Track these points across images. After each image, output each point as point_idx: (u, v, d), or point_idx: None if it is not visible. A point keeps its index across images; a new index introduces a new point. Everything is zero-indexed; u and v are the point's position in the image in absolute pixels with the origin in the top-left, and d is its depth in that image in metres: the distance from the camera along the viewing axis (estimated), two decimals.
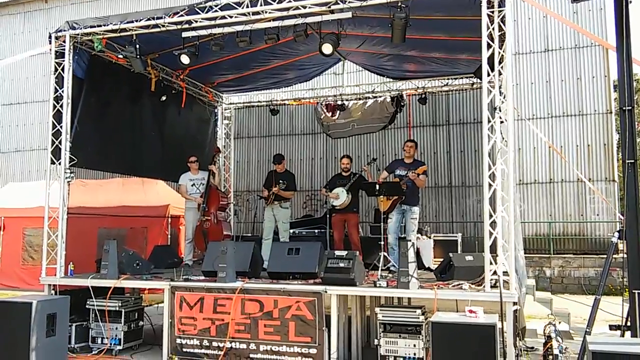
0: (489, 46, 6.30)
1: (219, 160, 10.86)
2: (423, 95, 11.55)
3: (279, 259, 7.30)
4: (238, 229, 14.21)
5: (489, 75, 6.31)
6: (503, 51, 6.30)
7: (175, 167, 10.13)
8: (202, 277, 7.41)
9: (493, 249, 6.16)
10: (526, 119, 14.36)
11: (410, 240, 6.46)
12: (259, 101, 12.84)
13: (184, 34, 7.83)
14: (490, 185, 6.23)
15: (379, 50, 9.99)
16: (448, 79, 11.27)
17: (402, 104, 11.57)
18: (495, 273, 6.05)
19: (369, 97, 11.90)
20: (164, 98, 10.15)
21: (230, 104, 12.96)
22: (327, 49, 7.48)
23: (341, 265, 6.58)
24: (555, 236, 14.09)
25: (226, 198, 10.16)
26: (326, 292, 6.46)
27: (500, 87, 6.31)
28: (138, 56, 8.06)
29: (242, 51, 9.74)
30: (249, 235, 11.09)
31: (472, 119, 14.23)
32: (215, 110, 12.57)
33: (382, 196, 7.80)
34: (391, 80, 11.73)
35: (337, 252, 6.74)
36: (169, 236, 13.14)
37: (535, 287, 10.75)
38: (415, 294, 6.37)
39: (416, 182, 8.18)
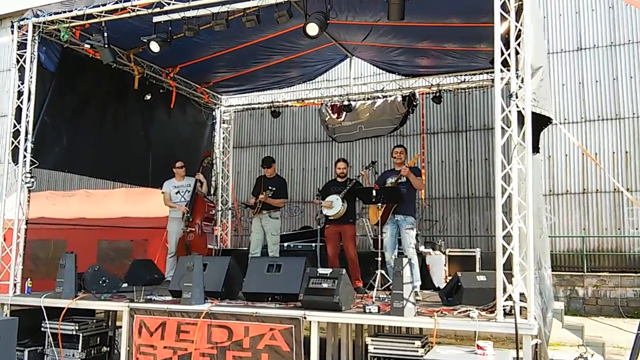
0: (503, 19, 5.18)
1: (209, 165, 9.85)
2: (438, 94, 10.42)
3: (256, 277, 6.23)
4: (239, 242, 13.33)
5: (502, 54, 5.17)
6: (520, 25, 5.15)
7: (163, 174, 9.15)
8: (169, 298, 6.37)
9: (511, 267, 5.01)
10: (557, 123, 13.07)
11: (406, 257, 5.30)
12: (259, 103, 11.86)
13: (155, 19, 6.93)
14: (504, 190, 5.08)
15: (388, 42, 9.04)
16: (465, 74, 10.12)
17: (415, 103, 10.47)
18: (510, 298, 4.87)
19: (378, 97, 10.82)
20: (148, 97, 9.28)
21: (229, 106, 12.00)
22: (312, 29, 6.42)
23: (324, 285, 5.47)
24: (589, 252, 12.73)
25: (214, 208, 9.16)
26: (305, 318, 5.36)
27: (517, 70, 5.17)
28: (106, 45, 7.18)
29: (237, 45, 8.93)
30: (246, 249, 10.03)
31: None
32: (213, 114, 11.65)
33: (378, 204, 6.67)
34: (402, 77, 10.65)
35: (320, 270, 5.62)
36: None
37: (565, 311, 9.44)
38: (410, 322, 5.22)
39: (412, 181, 7.02)
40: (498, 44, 5.18)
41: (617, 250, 12.59)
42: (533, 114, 5.13)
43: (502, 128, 5.13)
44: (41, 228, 11.02)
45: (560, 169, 13.22)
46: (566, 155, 13.24)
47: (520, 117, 5.13)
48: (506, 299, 4.88)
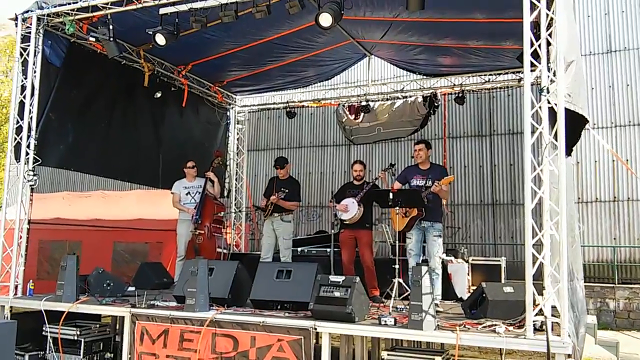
0: (533, 7, 4.75)
1: (221, 165, 9.50)
2: (460, 94, 9.96)
3: (265, 283, 5.84)
4: (256, 246, 12.99)
5: (532, 45, 4.73)
6: (552, 13, 4.71)
7: (174, 175, 8.84)
8: (174, 304, 6.02)
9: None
10: (588, 127, 12.53)
11: (426, 265, 4.87)
12: (274, 103, 11.52)
13: (162, 11, 6.61)
14: (534, 193, 4.63)
15: (408, 39, 8.67)
16: (490, 74, 9.67)
17: (436, 104, 10.02)
18: (541, 312, 4.42)
19: (397, 97, 10.39)
20: (158, 95, 8.99)
21: (244, 106, 11.69)
22: (325, 20, 6.03)
23: (336, 294, 5.07)
24: (621, 263, 12.15)
25: (223, 209, 8.79)
26: (315, 329, 4.97)
27: (548, 63, 4.73)
28: (111, 38, 6.86)
29: (251, 42, 8.63)
30: (259, 253, 9.67)
31: (520, 128, 12.51)
32: (227, 114, 11.33)
33: (397, 208, 6.23)
34: (423, 77, 10.23)
35: (332, 278, 5.21)
36: None
37: (597, 325, 8.95)
38: (429, 337, 4.79)
39: (440, 195, 6.59)
40: (527, 34, 4.76)
41: None
42: (566, 111, 4.69)
43: (532, 126, 4.69)
44: (57, 229, 10.87)
45: (590, 175, 12.68)
46: (595, 161, 12.70)
47: (552, 114, 4.69)
48: (537, 314, 4.43)
